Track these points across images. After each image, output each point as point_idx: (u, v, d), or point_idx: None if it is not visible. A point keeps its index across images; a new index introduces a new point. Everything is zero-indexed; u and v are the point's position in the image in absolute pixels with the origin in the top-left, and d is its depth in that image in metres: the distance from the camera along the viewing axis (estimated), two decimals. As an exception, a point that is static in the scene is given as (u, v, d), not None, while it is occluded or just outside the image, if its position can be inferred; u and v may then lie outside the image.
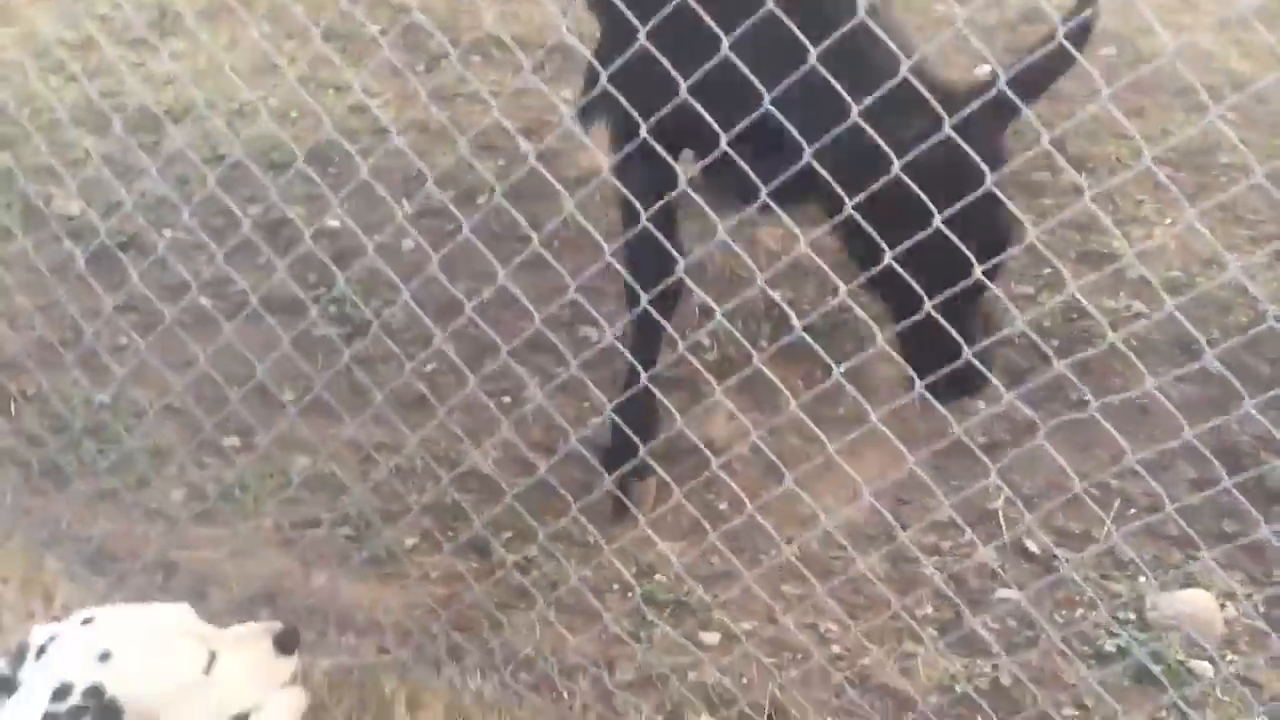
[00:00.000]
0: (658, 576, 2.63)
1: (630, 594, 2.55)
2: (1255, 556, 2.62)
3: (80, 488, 2.94)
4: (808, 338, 2.28)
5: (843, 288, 1.93)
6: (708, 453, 2.36)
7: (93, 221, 4.08)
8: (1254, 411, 1.67)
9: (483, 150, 4.26)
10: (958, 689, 2.33)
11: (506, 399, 3.15)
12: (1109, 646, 2.43)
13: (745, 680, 2.37)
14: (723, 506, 2.83)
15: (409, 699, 2.29)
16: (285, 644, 1.80)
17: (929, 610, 2.54)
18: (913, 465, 2.01)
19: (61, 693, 1.55)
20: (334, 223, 3.87)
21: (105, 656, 1.59)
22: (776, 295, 2.35)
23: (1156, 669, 2.32)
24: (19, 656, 1.63)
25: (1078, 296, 1.86)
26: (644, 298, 2.35)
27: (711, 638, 2.49)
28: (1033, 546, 2.69)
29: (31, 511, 2.88)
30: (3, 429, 3.20)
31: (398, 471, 2.88)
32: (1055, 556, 2.62)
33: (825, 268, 2.17)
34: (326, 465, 2.92)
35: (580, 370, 2.55)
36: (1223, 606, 2.50)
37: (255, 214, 3.49)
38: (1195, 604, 2.49)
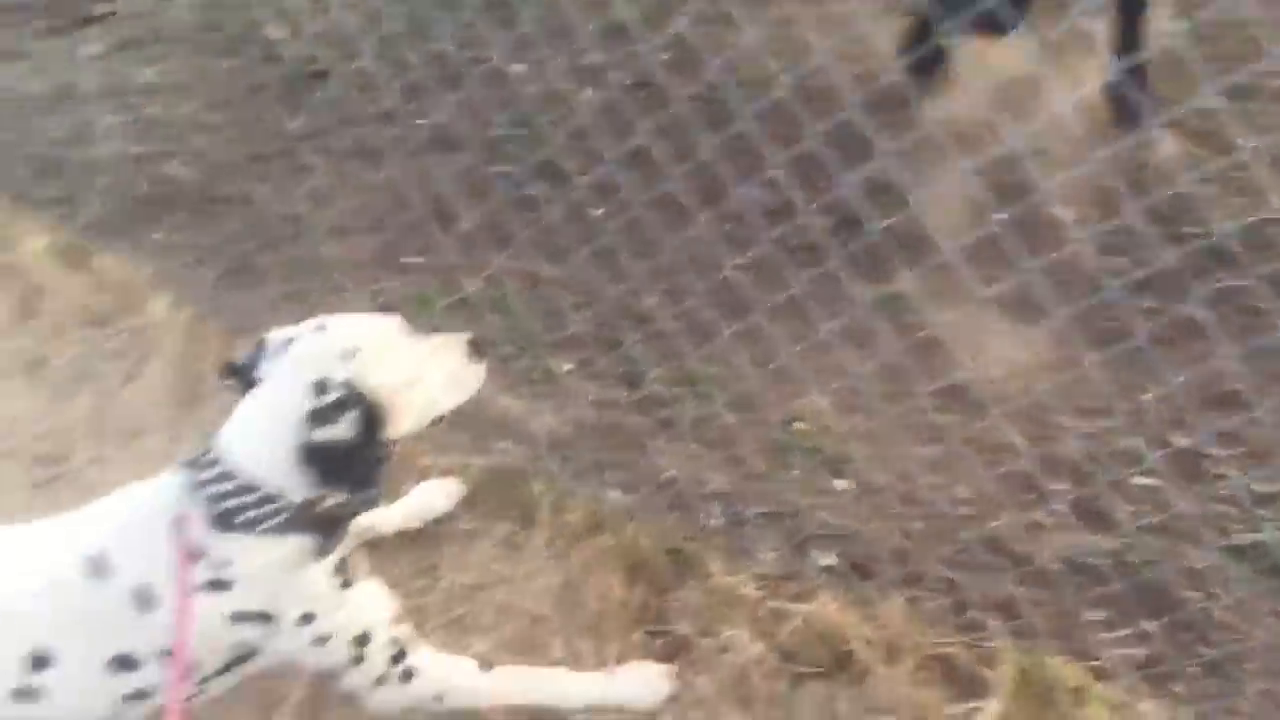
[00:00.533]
0: (799, 424, 2.71)
1: (771, 436, 2.64)
2: None
3: (272, 288, 3.18)
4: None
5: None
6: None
7: (295, 49, 4.30)
8: None
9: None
10: (1080, 560, 2.35)
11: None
12: (1245, 539, 2.41)
13: (872, 526, 2.45)
14: (869, 366, 2.87)
15: (553, 503, 2.45)
16: (477, 350, 1.97)
17: (1065, 485, 2.55)
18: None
19: (320, 387, 1.70)
20: (519, 67, 3.99)
21: (350, 354, 1.74)
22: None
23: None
24: (258, 353, 1.81)
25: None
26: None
27: (844, 484, 2.57)
28: (1181, 441, 2.66)
29: (228, 302, 3.13)
30: (210, 229, 3.46)
31: (566, 304, 3.02)
32: (1202, 453, 2.59)
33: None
34: (499, 288, 3.08)
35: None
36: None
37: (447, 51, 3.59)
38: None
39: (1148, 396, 2.75)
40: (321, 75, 4.06)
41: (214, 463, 1.74)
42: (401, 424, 1.81)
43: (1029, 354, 2.76)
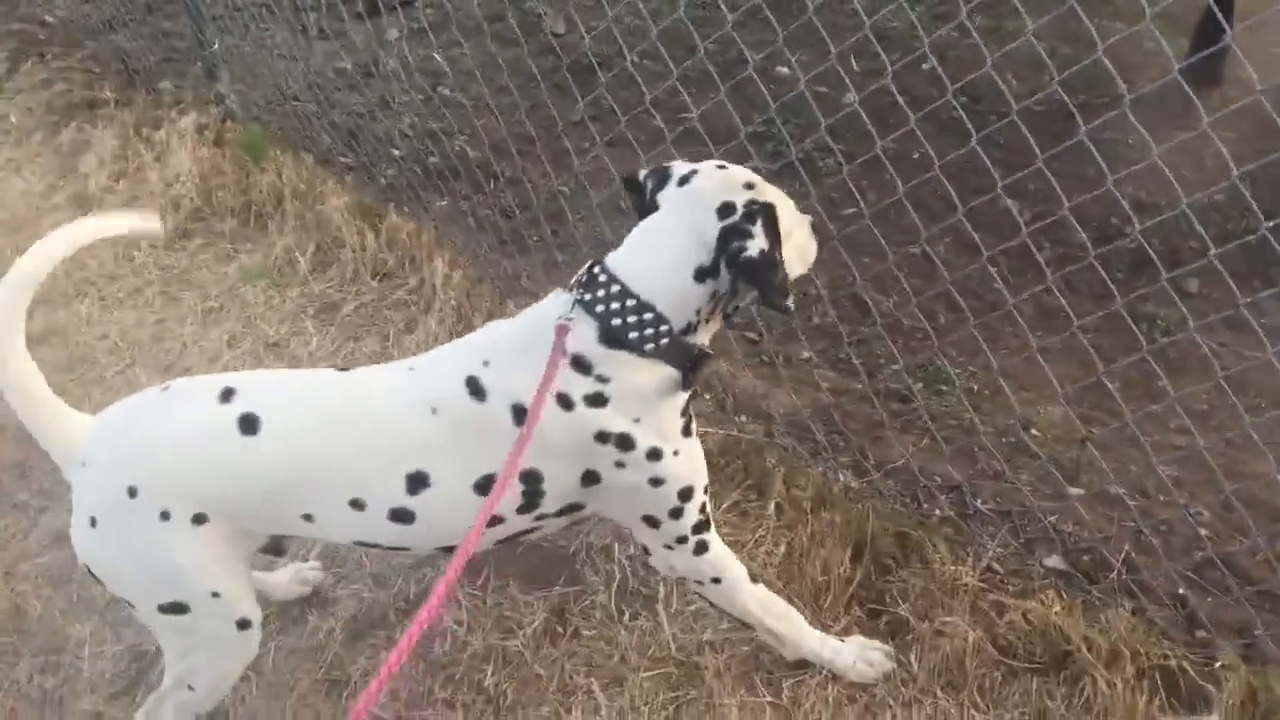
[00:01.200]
0: (1034, 431, 2.72)
1: (1006, 438, 2.67)
2: None
3: (538, 257, 3.42)
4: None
5: None
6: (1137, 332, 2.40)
7: (573, 41, 4.56)
8: None
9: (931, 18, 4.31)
10: (1328, 595, 2.28)
11: (917, 250, 3.29)
12: None
13: (1104, 535, 2.44)
14: (1115, 386, 2.84)
15: (785, 476, 2.55)
16: (815, 232, 2.08)
17: (1315, 520, 2.48)
18: None
19: (727, 209, 1.83)
20: (784, 69, 4.11)
21: (750, 185, 1.88)
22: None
23: None
24: (661, 179, 1.95)
25: None
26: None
27: (1077, 492, 2.57)
28: None
29: (499, 267, 3.38)
30: (487, 201, 3.74)
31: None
32: None
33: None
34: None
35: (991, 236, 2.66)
36: None
37: (715, 50, 3.74)
38: None
39: None
40: (596, 68, 4.29)
41: (609, 283, 1.86)
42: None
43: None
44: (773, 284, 1.81)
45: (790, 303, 1.83)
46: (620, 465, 1.89)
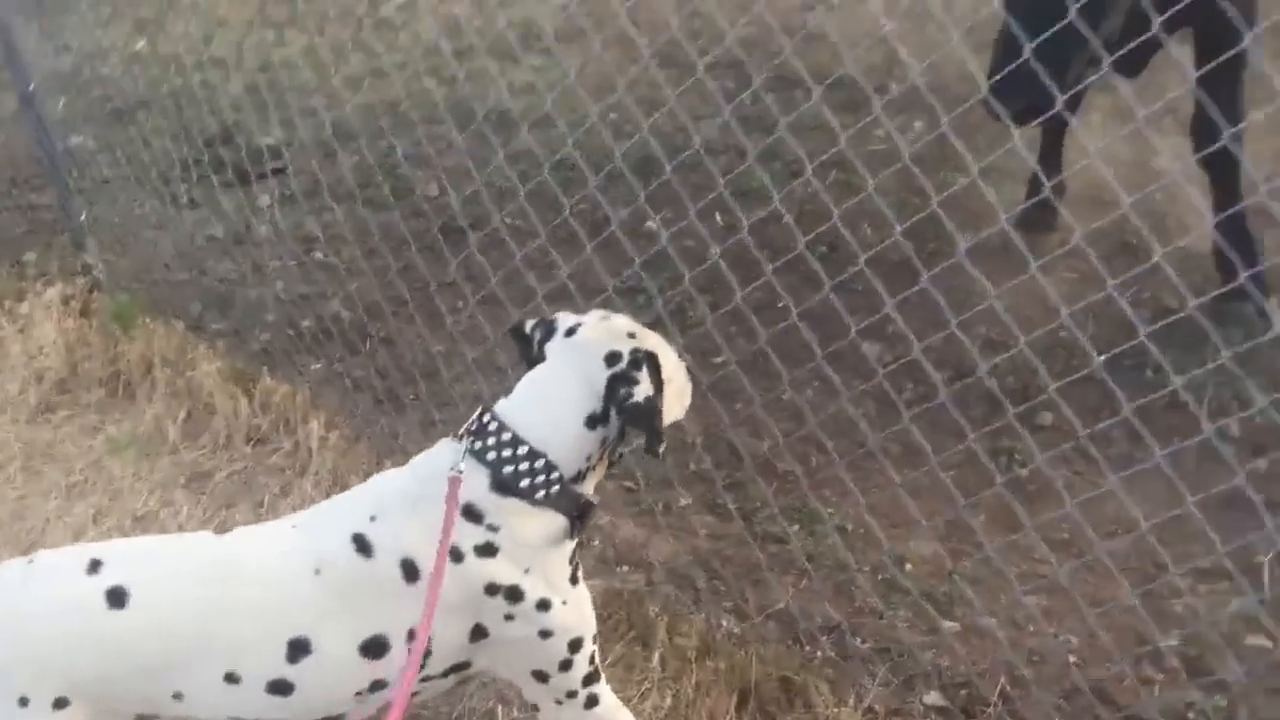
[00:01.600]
0: (908, 566, 2.79)
1: (881, 575, 2.73)
2: None
3: (415, 416, 3.43)
4: (1106, 376, 2.47)
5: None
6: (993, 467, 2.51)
7: (444, 203, 4.67)
8: None
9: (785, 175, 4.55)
10: (1190, 717, 2.36)
11: (785, 395, 3.40)
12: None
13: (979, 669, 2.50)
14: (980, 519, 2.95)
15: (669, 625, 2.57)
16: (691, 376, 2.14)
17: (1174, 642, 2.58)
18: (1190, 504, 2.11)
19: (613, 358, 1.90)
20: (650, 225, 4.26)
21: (633, 335, 1.96)
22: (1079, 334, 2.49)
23: None
24: (548, 330, 2.01)
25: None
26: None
27: (952, 626, 2.63)
28: (1298, 602, 2.66)
29: (377, 425, 3.38)
30: (362, 361, 3.76)
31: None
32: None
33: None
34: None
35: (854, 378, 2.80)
36: None
37: (583, 210, 3.88)
38: None
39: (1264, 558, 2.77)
40: (467, 229, 4.39)
41: (500, 430, 1.89)
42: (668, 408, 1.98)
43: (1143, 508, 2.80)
44: (657, 429, 1.88)
45: (662, 449, 1.89)
46: (509, 618, 1.89)
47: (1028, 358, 3.01)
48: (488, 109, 5.42)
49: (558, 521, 1.90)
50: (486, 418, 1.92)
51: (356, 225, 4.46)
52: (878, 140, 4.56)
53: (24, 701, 1.71)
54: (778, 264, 2.86)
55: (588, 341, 1.94)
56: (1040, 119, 3.29)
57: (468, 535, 1.85)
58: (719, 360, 3.41)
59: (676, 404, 2.05)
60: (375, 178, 4.77)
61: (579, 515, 1.92)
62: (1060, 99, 2.33)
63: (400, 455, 3.24)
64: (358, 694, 1.87)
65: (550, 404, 1.92)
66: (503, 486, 1.86)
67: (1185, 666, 2.49)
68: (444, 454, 1.93)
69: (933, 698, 2.45)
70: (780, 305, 3.46)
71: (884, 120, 3.21)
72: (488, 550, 1.85)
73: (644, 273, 3.66)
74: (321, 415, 3.32)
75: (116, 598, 1.75)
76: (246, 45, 6.26)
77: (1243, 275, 2.70)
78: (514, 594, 1.87)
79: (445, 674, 1.94)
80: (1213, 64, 3.18)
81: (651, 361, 1.92)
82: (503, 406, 1.95)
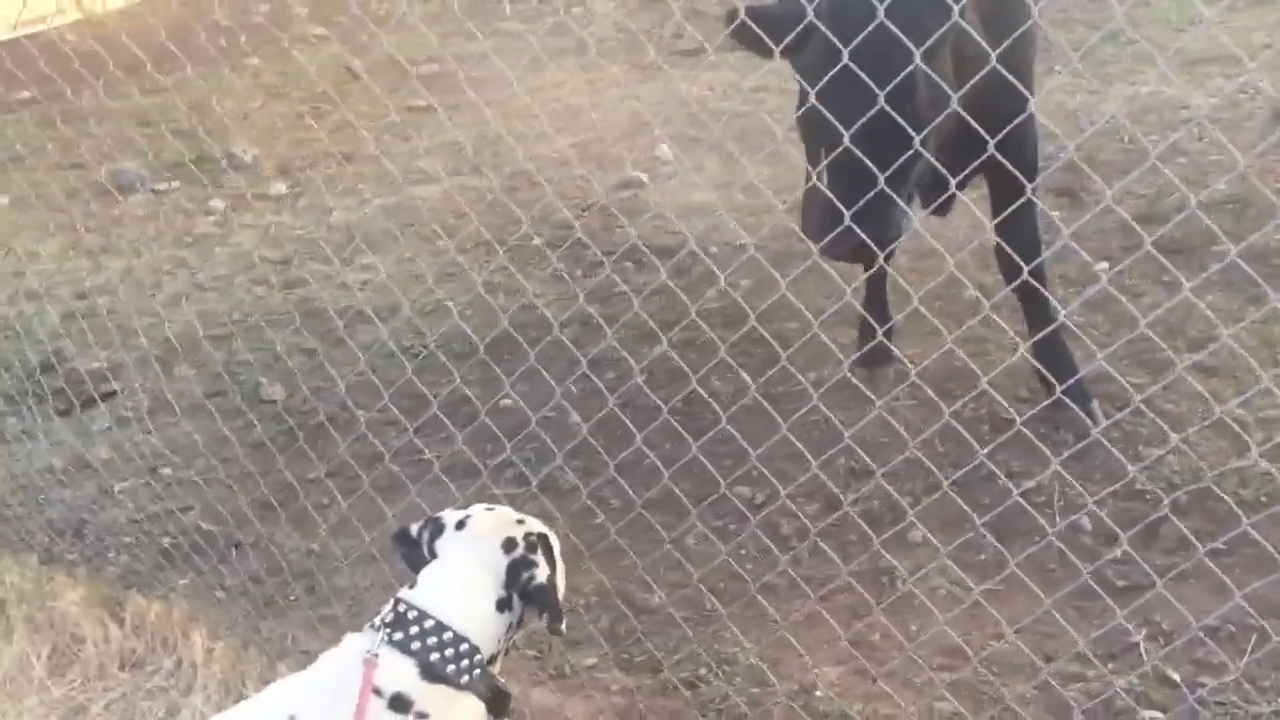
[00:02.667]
0: (817, 693, 2.85)
1: (793, 705, 2.78)
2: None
3: (304, 614, 3.33)
4: (955, 494, 2.67)
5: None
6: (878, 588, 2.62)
7: (295, 404, 4.64)
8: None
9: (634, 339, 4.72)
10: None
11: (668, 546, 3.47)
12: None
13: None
14: (875, 638, 3.05)
15: (601, 785, 2.53)
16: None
17: (1079, 725, 2.70)
18: (1050, 608, 2.28)
19: (510, 544, 2.06)
20: (507, 401, 4.33)
21: (521, 520, 2.12)
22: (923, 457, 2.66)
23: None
24: (435, 528, 2.10)
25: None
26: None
27: (873, 741, 2.69)
28: (1174, 675, 2.83)
29: (262, 630, 3.26)
30: (232, 570, 3.64)
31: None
32: (1198, 683, 2.76)
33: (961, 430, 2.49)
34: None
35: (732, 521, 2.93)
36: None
37: (441, 395, 3.92)
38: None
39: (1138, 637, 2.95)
40: (323, 426, 4.36)
41: (421, 618, 1.94)
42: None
43: (1023, 604, 2.95)
44: (558, 605, 2.06)
45: (564, 625, 2.08)
46: None
47: (887, 484, 3.22)
48: (323, 309, 5.46)
49: (479, 707, 1.96)
50: (402, 608, 1.98)
51: (207, 435, 4.37)
52: (713, 299, 4.79)
53: None
54: (645, 431, 2.97)
55: (481, 532, 2.08)
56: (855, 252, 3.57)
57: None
58: (598, 522, 3.47)
59: (561, 582, 2.19)
60: (222, 387, 4.72)
61: (494, 699, 1.99)
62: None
63: (296, 655, 3.14)
64: None
65: (460, 592, 2.01)
66: (431, 673, 1.91)
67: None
68: (354, 646, 1.97)
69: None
70: (646, 463, 3.57)
71: (720, 275, 3.43)
72: None
73: (510, 448, 3.73)
74: (202, 628, 3.19)
75: None
76: (59, 275, 6.15)
77: (1059, 390, 2.96)
78: None
79: None
80: (1004, 214, 3.59)
81: (545, 543, 2.09)
82: (414, 596, 2.01)
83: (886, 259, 4.15)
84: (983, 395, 4.01)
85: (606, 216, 5.91)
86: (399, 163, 6.81)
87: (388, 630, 1.95)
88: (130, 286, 6.05)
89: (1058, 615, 2.61)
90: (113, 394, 5.09)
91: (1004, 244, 3.54)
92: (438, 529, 2.10)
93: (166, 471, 4.36)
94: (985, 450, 2.58)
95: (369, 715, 1.84)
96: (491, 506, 2.17)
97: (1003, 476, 3.22)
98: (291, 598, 3.48)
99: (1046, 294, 3.73)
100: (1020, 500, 2.59)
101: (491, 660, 2.02)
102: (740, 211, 5.68)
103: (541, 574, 2.04)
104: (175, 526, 3.95)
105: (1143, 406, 2.53)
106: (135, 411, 4.83)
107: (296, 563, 3.62)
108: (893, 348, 3.96)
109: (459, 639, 1.94)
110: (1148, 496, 3.37)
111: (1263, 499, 3.31)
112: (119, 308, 5.69)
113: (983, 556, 3.28)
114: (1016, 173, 2.69)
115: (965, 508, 2.75)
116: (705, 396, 3.28)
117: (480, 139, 7.31)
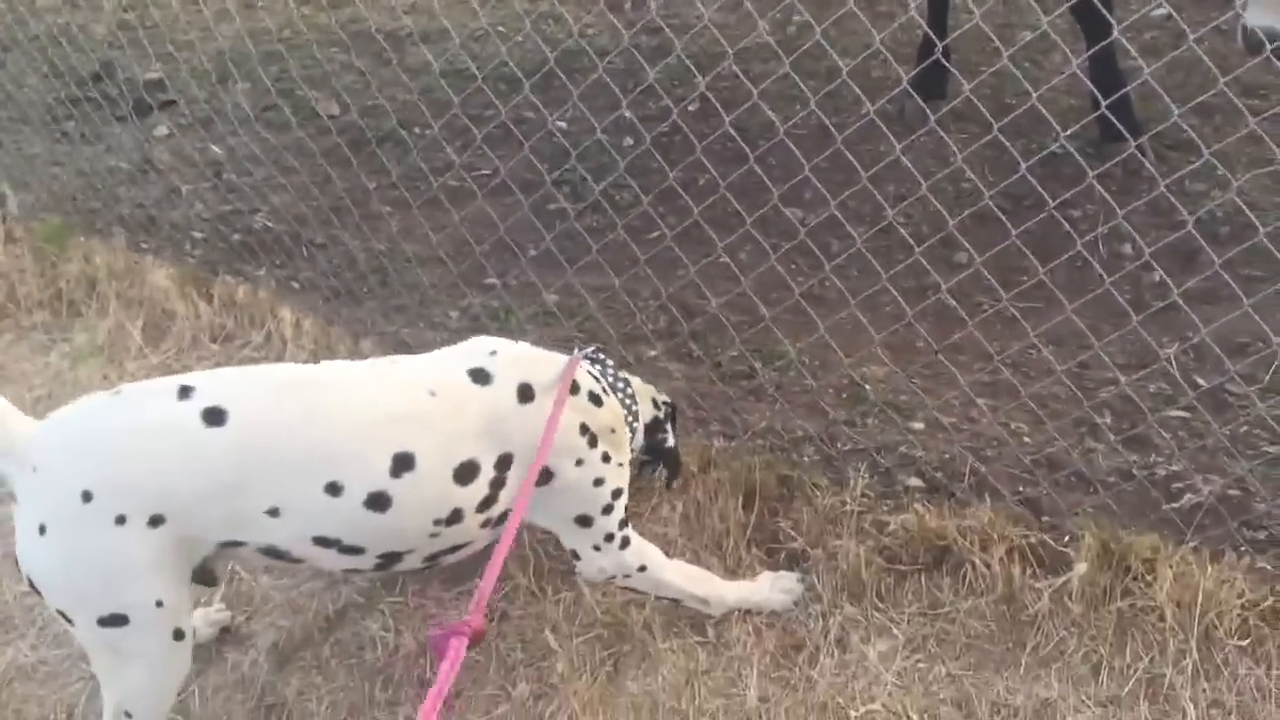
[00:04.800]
0: (866, 386, 3.05)
1: (844, 394, 2.99)
2: None
3: (373, 304, 3.52)
4: (997, 211, 2.76)
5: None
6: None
7: (349, 120, 4.70)
8: None
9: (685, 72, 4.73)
10: (1135, 473, 2.69)
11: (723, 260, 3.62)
12: (1270, 449, 2.76)
13: (948, 456, 2.78)
14: (918, 344, 3.23)
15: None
16: None
17: (1109, 419, 2.91)
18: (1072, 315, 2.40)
19: (655, 403, 2.48)
20: (562, 124, 4.40)
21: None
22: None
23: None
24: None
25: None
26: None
27: (918, 425, 2.91)
28: (1202, 381, 3.02)
29: (344, 314, 3.46)
30: (304, 268, 3.81)
31: (638, 306, 3.38)
32: (1225, 388, 2.95)
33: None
34: (574, 298, 3.44)
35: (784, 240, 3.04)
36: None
37: (490, 115, 3.97)
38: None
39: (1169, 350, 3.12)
40: (383, 140, 4.45)
41: (617, 373, 2.34)
42: None
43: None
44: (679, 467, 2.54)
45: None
46: (579, 463, 2.14)
47: (936, 207, 3.32)
48: (371, 29, 5.45)
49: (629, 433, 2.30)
50: (603, 356, 2.34)
51: (264, 147, 4.47)
52: (764, 33, 4.77)
53: (121, 519, 1.77)
54: (702, 144, 3.05)
55: (635, 383, 2.41)
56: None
57: (588, 382, 2.20)
58: (653, 235, 3.60)
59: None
60: (273, 101, 4.77)
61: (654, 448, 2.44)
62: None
63: (376, 335, 3.34)
64: (435, 522, 1.98)
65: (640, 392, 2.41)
66: (595, 397, 2.21)
67: (1119, 439, 2.82)
68: (573, 356, 2.23)
69: (914, 480, 2.72)
70: (702, 182, 3.67)
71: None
72: (595, 399, 2.18)
73: (578, 164, 3.83)
74: (288, 306, 3.37)
75: (214, 416, 1.83)
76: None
77: (1104, 105, 3.03)
78: (593, 441, 2.15)
79: (499, 522, 2.07)
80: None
81: (674, 419, 2.48)
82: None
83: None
84: (1036, 133, 4.09)
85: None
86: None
87: (589, 359, 2.31)
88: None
89: (1080, 323, 2.69)
90: (172, 103, 5.15)
91: None
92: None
93: (229, 178, 4.48)
94: (1025, 166, 2.65)
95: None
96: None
97: (1047, 197, 3.33)
98: (365, 290, 3.66)
99: (1106, 15, 3.74)
100: (1057, 214, 2.68)
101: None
102: (794, -55, 5.58)
103: (670, 439, 2.45)
104: (244, 225, 4.10)
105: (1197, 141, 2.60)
106: (192, 120, 4.91)
107: (367, 260, 3.79)
108: (951, 71, 4.00)
109: (632, 399, 2.32)
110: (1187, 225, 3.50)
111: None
112: (167, 21, 5.68)
113: (1026, 278, 3.42)
114: None
115: (1009, 226, 2.85)
116: (773, 117, 3.34)
117: None
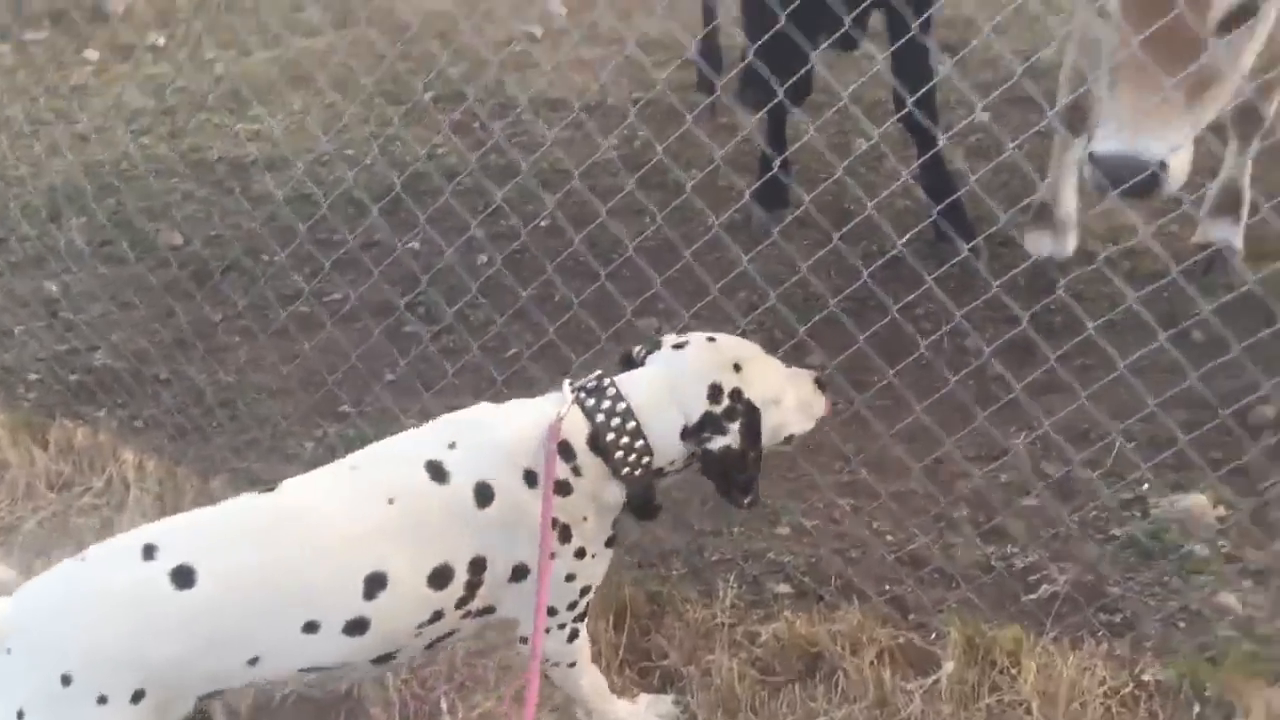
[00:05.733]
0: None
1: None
2: (1241, 476, 3.04)
3: (226, 439, 3.41)
4: (841, 316, 2.84)
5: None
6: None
7: (192, 252, 4.60)
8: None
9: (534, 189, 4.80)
10: (994, 565, 2.76)
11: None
12: (1117, 532, 2.86)
13: (814, 559, 2.80)
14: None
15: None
16: (822, 385, 2.25)
17: (965, 513, 2.98)
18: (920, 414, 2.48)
19: (715, 391, 2.01)
20: (414, 245, 4.39)
21: (738, 366, 2.05)
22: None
23: (1157, 546, 2.76)
24: (652, 347, 2.11)
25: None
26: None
27: (784, 530, 2.93)
28: (1050, 470, 3.13)
29: (191, 452, 3.33)
30: (148, 405, 3.67)
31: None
32: (1072, 475, 3.05)
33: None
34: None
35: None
36: (1215, 506, 2.93)
37: (339, 240, 3.94)
38: (1191, 504, 2.91)
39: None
40: (226, 271, 4.37)
41: (616, 399, 1.98)
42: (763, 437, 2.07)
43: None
44: (730, 480, 2.03)
45: (748, 500, 2.07)
46: (551, 556, 1.97)
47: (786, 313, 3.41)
48: (213, 159, 5.39)
49: (619, 500, 2.04)
50: (606, 381, 2.03)
51: (102, 282, 4.33)
52: (612, 148, 4.87)
53: (103, 700, 1.72)
54: (554, 262, 3.10)
55: (689, 364, 2.05)
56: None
57: (557, 469, 1.95)
58: (510, 354, 3.59)
59: (797, 418, 2.18)
60: (109, 236, 4.64)
61: (642, 506, 2.06)
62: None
63: (228, 472, 3.22)
64: (418, 626, 1.94)
65: (658, 401, 2.01)
66: (596, 445, 1.97)
67: (977, 532, 2.89)
68: (545, 403, 2.04)
69: (782, 588, 2.73)
70: (556, 299, 3.71)
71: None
72: (563, 488, 1.96)
73: (431, 287, 3.80)
74: (130, 448, 3.23)
75: (183, 577, 1.77)
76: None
77: (934, 212, 3.17)
78: (565, 534, 2.00)
79: (479, 614, 2.01)
80: (900, 41, 3.76)
81: (750, 418, 2.01)
82: (624, 380, 2.05)
83: (784, 111, 4.31)
84: (875, 237, 4.24)
85: (500, 71, 5.90)
86: (280, 16, 6.64)
87: (584, 391, 2.01)
88: (7, 136, 5.83)
89: (929, 420, 2.74)
90: (1, 241, 4.98)
91: (896, 78, 3.72)
92: (655, 346, 2.12)
93: (67, 315, 4.32)
94: (868, 271, 2.74)
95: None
96: (714, 337, 2.12)
97: (888, 301, 3.44)
98: (213, 425, 3.54)
99: (933, 124, 3.93)
100: (898, 317, 2.77)
101: (659, 474, 2.05)
102: (635, 66, 5.74)
103: (722, 442, 1.99)
104: (82, 365, 3.95)
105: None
106: (23, 258, 4.73)
107: (214, 394, 3.67)
108: (791, 185, 4.14)
109: (639, 433, 1.97)
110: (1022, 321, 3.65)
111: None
112: (-3, 157, 5.51)
113: (876, 378, 3.51)
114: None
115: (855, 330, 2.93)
116: (617, 232, 3.40)
117: (366, -6, 7.16)
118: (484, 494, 1.93)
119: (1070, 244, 4.07)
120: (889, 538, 2.90)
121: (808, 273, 3.16)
